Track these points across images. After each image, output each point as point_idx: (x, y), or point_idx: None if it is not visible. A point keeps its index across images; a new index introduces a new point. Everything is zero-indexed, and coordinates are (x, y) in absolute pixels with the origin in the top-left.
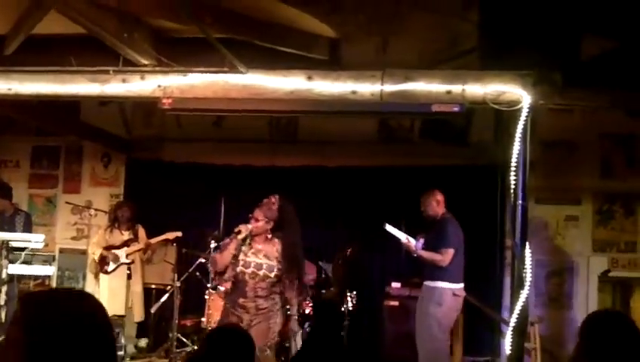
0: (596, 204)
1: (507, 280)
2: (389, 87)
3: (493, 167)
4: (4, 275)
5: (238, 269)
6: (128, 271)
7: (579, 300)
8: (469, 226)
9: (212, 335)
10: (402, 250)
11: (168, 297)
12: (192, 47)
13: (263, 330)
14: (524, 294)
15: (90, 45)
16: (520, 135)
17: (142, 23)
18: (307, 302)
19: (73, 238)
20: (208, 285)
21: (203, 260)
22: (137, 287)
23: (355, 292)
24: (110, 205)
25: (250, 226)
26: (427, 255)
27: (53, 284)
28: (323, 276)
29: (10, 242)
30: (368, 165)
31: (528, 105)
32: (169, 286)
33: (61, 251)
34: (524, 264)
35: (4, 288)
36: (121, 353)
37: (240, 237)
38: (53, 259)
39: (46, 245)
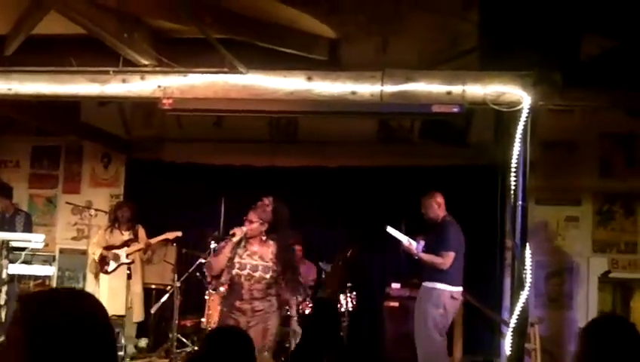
0: (596, 204)
1: (507, 281)
2: (389, 88)
3: (493, 168)
4: (4, 275)
5: (234, 272)
6: (128, 271)
7: (579, 301)
8: (469, 227)
9: (212, 336)
10: (402, 251)
11: (168, 297)
12: (192, 47)
13: (260, 332)
14: (524, 295)
15: (90, 45)
16: (520, 136)
17: (142, 23)
18: (307, 303)
19: (73, 238)
20: (208, 286)
21: (203, 260)
22: (137, 287)
23: (354, 293)
24: (110, 205)
25: (244, 229)
26: (428, 258)
27: (54, 284)
28: (323, 276)
29: (10, 242)
30: (368, 165)
31: (528, 106)
32: (169, 287)
33: (61, 251)
34: (524, 265)
35: (5, 288)
36: (121, 353)
37: (235, 239)
38: (54, 259)
39: (46, 245)
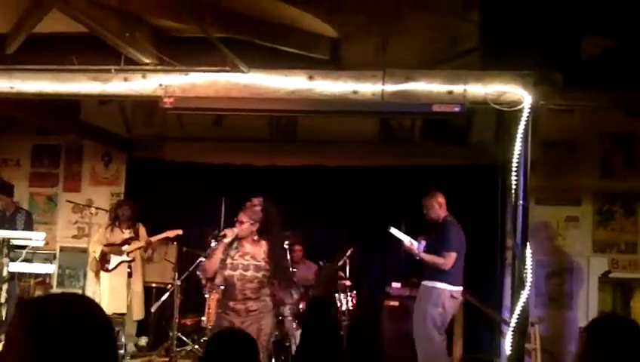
0: (596, 204)
1: (508, 281)
2: (390, 87)
3: (493, 167)
4: (5, 273)
5: (227, 273)
6: (129, 270)
7: (579, 301)
8: (470, 226)
9: (216, 339)
10: (402, 251)
11: (169, 296)
12: (194, 46)
13: (254, 332)
14: (524, 294)
15: (91, 44)
16: (521, 135)
17: (143, 22)
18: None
19: (74, 237)
20: (203, 289)
21: (203, 259)
22: (138, 286)
23: (354, 292)
24: (111, 204)
25: (235, 230)
26: (429, 258)
27: (54, 282)
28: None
29: (11, 240)
30: (369, 165)
31: (529, 106)
32: (169, 285)
33: (62, 249)
34: (525, 264)
35: (5, 286)
36: (121, 351)
37: (226, 241)
38: (54, 258)
39: (47, 243)
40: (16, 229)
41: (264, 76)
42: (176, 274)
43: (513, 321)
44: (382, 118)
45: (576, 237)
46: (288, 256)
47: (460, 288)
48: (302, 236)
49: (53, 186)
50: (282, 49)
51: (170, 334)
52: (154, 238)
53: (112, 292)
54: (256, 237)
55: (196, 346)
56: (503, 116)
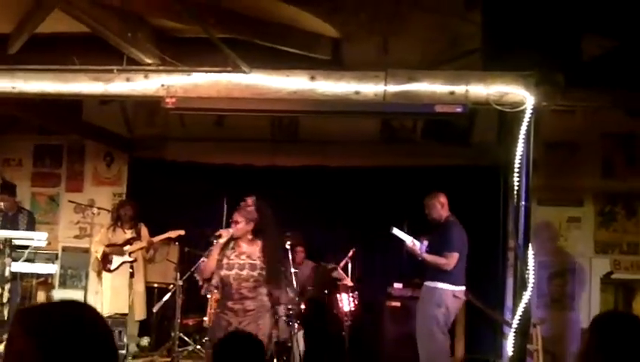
0: (598, 205)
1: (510, 281)
2: (392, 88)
3: (495, 168)
4: (7, 273)
5: (223, 273)
6: (131, 270)
7: (581, 301)
8: (472, 227)
9: (223, 343)
10: (404, 251)
11: (170, 296)
12: (196, 46)
13: (252, 332)
14: (526, 295)
15: (93, 44)
16: (523, 136)
17: (145, 22)
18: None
19: (76, 237)
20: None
21: (205, 260)
22: (140, 286)
23: (356, 293)
24: (113, 204)
25: (231, 230)
26: (431, 258)
27: (56, 282)
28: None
29: (13, 240)
30: (370, 165)
31: (532, 106)
32: (171, 285)
33: (64, 249)
34: (527, 265)
35: (7, 286)
36: (123, 352)
37: (221, 241)
38: (56, 258)
39: (49, 243)
40: (18, 229)
41: (266, 76)
42: (178, 274)
43: (515, 322)
44: (383, 119)
45: (578, 238)
46: (290, 257)
47: (463, 288)
48: (303, 237)
49: (55, 186)
50: (284, 49)
51: (172, 334)
52: (156, 239)
53: (113, 293)
54: (251, 237)
55: (198, 346)
56: (505, 117)
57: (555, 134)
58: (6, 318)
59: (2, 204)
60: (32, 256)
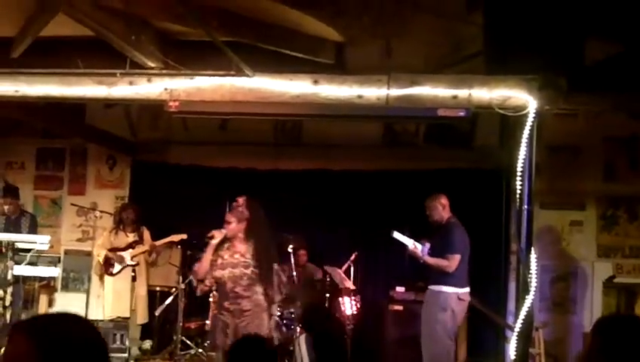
0: (600, 209)
1: (512, 285)
2: (395, 92)
3: (498, 172)
4: (9, 276)
5: (217, 273)
6: (133, 273)
7: (583, 305)
8: (474, 230)
9: (236, 347)
10: (407, 255)
11: (173, 299)
12: (199, 50)
13: (249, 331)
14: (529, 299)
15: (97, 48)
16: (526, 140)
17: (149, 25)
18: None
19: (78, 240)
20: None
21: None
22: (142, 289)
23: (358, 296)
24: (115, 207)
25: (224, 231)
26: (433, 261)
27: (58, 286)
28: (328, 280)
29: (15, 243)
30: (373, 169)
31: (534, 110)
32: (173, 289)
33: (66, 253)
34: (530, 269)
35: (10, 289)
36: (125, 355)
37: (214, 242)
38: (59, 261)
39: (51, 246)
40: (20, 232)
41: (269, 80)
42: (181, 277)
43: (517, 325)
44: (386, 122)
45: (581, 241)
46: (292, 260)
47: (467, 289)
48: (305, 240)
49: (58, 189)
50: (287, 53)
51: (174, 338)
52: (158, 242)
53: (116, 296)
54: (244, 236)
55: (200, 350)
56: (507, 120)
57: (558, 138)
58: (8, 321)
59: (5, 207)
60: (34, 259)
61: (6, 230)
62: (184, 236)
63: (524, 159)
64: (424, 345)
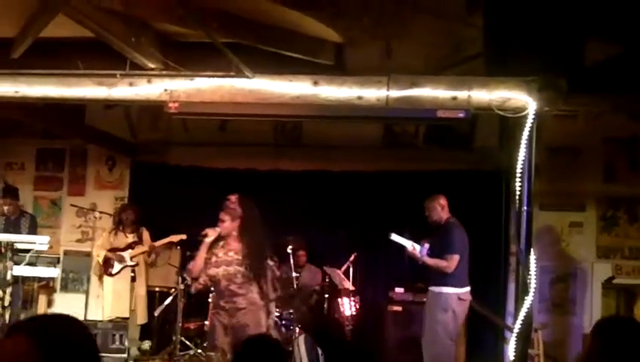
0: (600, 210)
1: (511, 286)
2: (395, 93)
3: (497, 173)
4: (9, 277)
5: (212, 271)
6: (132, 274)
7: (583, 306)
8: (474, 231)
9: (244, 346)
10: (406, 256)
11: (172, 300)
12: (199, 51)
13: (252, 329)
14: (528, 300)
15: (97, 49)
16: (525, 141)
17: (149, 27)
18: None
19: (78, 240)
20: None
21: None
22: (141, 290)
23: (358, 297)
24: (115, 208)
25: (217, 229)
26: (432, 262)
27: (58, 286)
28: (327, 281)
29: (15, 244)
30: (372, 170)
31: (534, 112)
32: (173, 289)
33: (66, 253)
34: (529, 270)
35: (9, 290)
36: (124, 355)
37: (208, 240)
38: (58, 261)
39: (51, 247)
40: (20, 233)
41: (269, 81)
42: (180, 278)
43: (517, 327)
44: (386, 124)
45: (580, 242)
46: (292, 261)
47: (467, 289)
48: (305, 240)
49: (58, 190)
50: (287, 54)
51: (174, 338)
52: (158, 243)
53: (115, 297)
54: (238, 234)
55: (199, 350)
56: (507, 121)
57: (557, 139)
58: (7, 322)
59: (5, 207)
60: (33, 259)
61: (5, 230)
62: (183, 237)
63: (523, 160)
64: (425, 346)
